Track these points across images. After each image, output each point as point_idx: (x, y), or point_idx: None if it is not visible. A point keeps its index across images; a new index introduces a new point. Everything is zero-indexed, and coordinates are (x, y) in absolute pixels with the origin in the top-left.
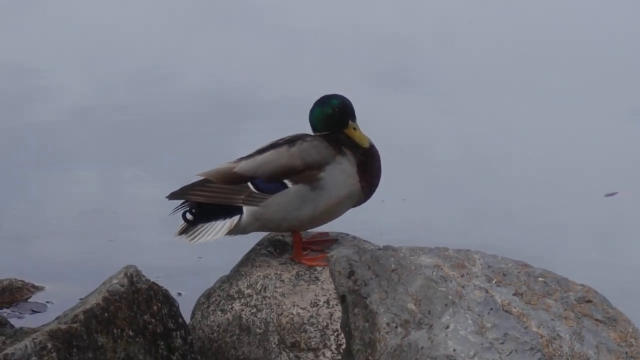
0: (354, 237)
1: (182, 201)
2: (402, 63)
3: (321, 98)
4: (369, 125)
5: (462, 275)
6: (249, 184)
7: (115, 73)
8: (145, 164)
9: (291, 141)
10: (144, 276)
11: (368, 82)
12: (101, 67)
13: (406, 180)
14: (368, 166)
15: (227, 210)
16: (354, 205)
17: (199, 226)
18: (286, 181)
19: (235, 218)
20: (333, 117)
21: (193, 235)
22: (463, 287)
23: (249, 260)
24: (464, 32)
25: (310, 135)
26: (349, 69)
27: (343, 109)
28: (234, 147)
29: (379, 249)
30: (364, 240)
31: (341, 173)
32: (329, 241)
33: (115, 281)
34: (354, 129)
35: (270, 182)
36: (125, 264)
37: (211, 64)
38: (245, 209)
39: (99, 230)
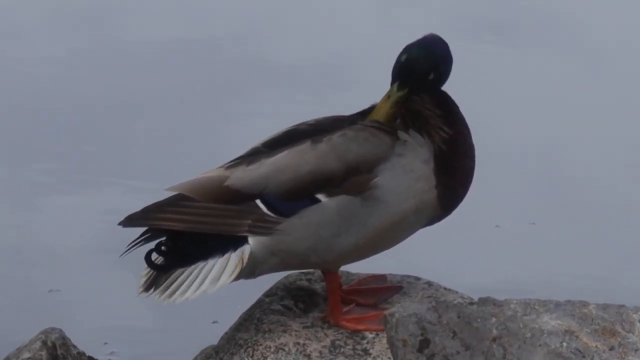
0: (429, 284)
1: (142, 232)
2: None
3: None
4: (465, 98)
5: (612, 348)
6: (259, 201)
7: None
8: (95, 168)
9: (315, 133)
10: (74, 347)
11: (472, 35)
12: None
13: (538, 193)
14: (451, 161)
15: (221, 242)
16: (425, 225)
17: (177, 273)
18: (320, 196)
19: (243, 252)
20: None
21: (169, 290)
22: None
23: (252, 320)
24: None
25: (347, 120)
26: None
27: (404, 67)
28: (228, 135)
29: (472, 304)
30: (445, 289)
31: (404, 173)
32: (387, 289)
33: (26, 355)
34: (389, 97)
35: (292, 199)
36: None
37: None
38: (252, 239)
39: (20, 273)
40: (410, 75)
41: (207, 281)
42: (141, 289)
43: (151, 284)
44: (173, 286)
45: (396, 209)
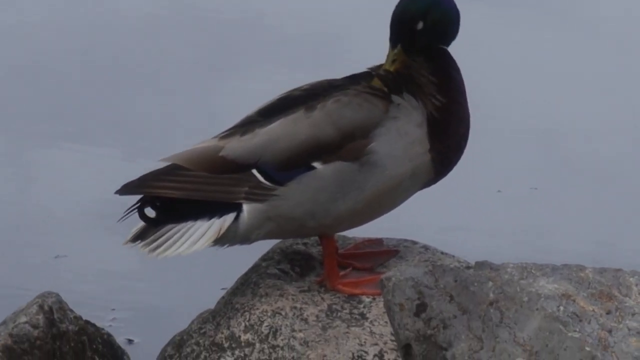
0: (426, 247)
1: (140, 198)
2: None
3: None
4: (464, 65)
5: (609, 312)
6: (254, 171)
7: None
8: (84, 136)
9: (309, 99)
10: (71, 311)
11: None
12: None
13: (541, 159)
14: (444, 127)
15: (213, 205)
16: (420, 188)
17: (167, 228)
18: (316, 164)
19: (228, 218)
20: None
21: (156, 244)
22: (610, 331)
23: (249, 285)
24: None
25: (340, 84)
26: None
27: (391, 19)
28: (222, 103)
29: (469, 268)
30: (442, 253)
31: (399, 136)
32: (383, 253)
33: (23, 319)
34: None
35: (288, 168)
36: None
37: None
38: (247, 206)
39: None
40: (397, 30)
41: (191, 240)
42: (128, 240)
43: (139, 236)
44: (158, 241)
45: (392, 173)
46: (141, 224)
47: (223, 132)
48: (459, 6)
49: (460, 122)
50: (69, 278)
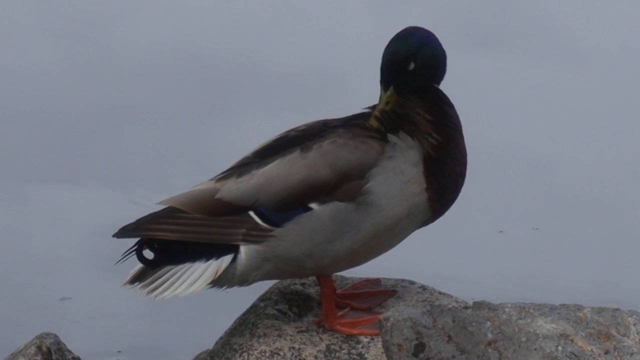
0: (424, 287)
1: (138, 241)
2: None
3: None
4: (464, 106)
5: (607, 352)
6: (252, 213)
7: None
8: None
9: (305, 139)
10: (69, 352)
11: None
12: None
13: (542, 199)
14: (440, 164)
15: (210, 247)
16: (418, 227)
17: (165, 270)
18: (312, 205)
19: (225, 259)
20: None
21: (153, 285)
22: None
23: (247, 325)
24: None
25: (335, 124)
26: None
27: (382, 62)
28: (221, 144)
29: (467, 308)
30: (440, 293)
31: (395, 176)
32: (381, 293)
33: None
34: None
35: (285, 210)
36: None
37: (176, 18)
38: (245, 248)
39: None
40: (389, 72)
41: (188, 282)
42: (126, 281)
43: (137, 278)
44: (156, 283)
45: (389, 213)
46: (140, 265)
47: (220, 174)
48: (463, 54)
49: (457, 161)
50: (74, 320)
